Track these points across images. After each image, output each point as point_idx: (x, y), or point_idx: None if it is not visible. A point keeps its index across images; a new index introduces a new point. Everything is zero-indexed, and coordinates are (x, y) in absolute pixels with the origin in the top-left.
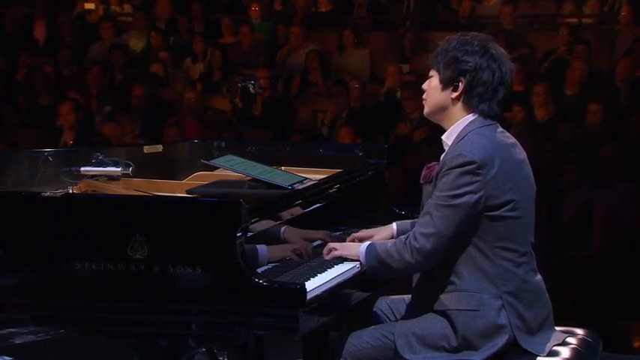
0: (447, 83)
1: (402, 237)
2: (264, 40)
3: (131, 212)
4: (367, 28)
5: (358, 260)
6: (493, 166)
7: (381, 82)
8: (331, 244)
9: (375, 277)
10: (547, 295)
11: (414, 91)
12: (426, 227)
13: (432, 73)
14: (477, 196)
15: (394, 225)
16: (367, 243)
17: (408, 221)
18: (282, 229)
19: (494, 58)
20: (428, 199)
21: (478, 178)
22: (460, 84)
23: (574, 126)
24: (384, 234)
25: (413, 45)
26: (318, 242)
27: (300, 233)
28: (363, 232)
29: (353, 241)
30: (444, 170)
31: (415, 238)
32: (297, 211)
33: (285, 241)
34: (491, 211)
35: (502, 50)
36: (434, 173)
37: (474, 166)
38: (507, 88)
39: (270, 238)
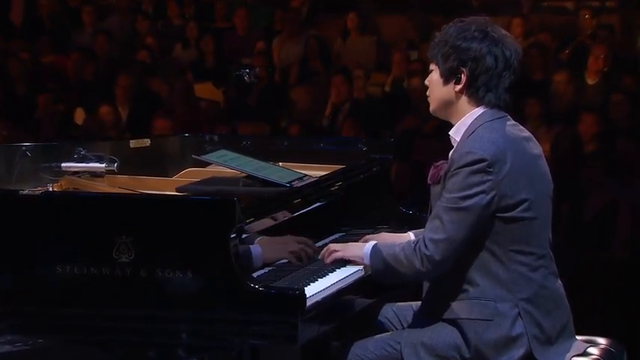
0: (448, 76)
1: (411, 241)
2: (261, 25)
3: (116, 212)
4: (373, 12)
5: (362, 263)
6: (505, 162)
7: (387, 70)
8: (332, 245)
9: (380, 280)
10: (566, 301)
11: (417, 83)
12: (435, 232)
13: (432, 66)
14: (490, 196)
15: (411, 235)
16: (372, 243)
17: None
18: (255, 242)
19: (496, 41)
20: (436, 200)
21: (490, 177)
22: (462, 75)
23: (596, 118)
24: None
25: (422, 31)
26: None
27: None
28: (384, 235)
29: (366, 241)
30: (452, 170)
31: (425, 245)
32: (296, 210)
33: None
34: (504, 212)
35: (503, 32)
36: (442, 173)
37: (484, 163)
38: (514, 73)
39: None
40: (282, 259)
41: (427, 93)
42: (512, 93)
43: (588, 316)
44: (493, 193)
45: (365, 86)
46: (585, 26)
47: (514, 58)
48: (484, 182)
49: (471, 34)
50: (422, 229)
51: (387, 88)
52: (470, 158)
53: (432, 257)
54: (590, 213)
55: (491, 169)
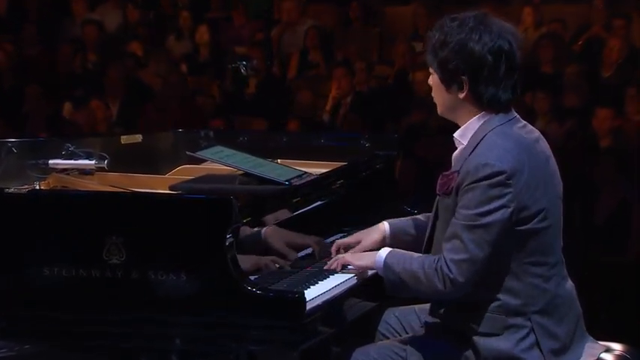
0: (448, 84)
1: (430, 259)
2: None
3: (107, 211)
4: (377, 2)
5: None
6: (523, 172)
7: (391, 62)
8: (341, 257)
9: (393, 292)
10: (577, 300)
11: (423, 76)
12: (457, 253)
13: (431, 70)
14: (511, 209)
15: (385, 225)
16: (385, 252)
17: (404, 220)
18: (265, 228)
19: (494, 39)
20: (445, 212)
21: (509, 190)
22: (464, 83)
23: (611, 113)
24: (374, 238)
25: (427, 21)
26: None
27: (285, 236)
28: (348, 239)
29: (338, 250)
30: (467, 184)
31: (447, 266)
32: (295, 209)
33: (265, 243)
34: (522, 225)
35: (505, 25)
36: (453, 185)
37: (503, 176)
38: (518, 68)
39: (249, 238)
40: (259, 267)
41: (432, 93)
42: (519, 87)
43: (602, 321)
44: (513, 205)
45: (368, 79)
46: (599, 16)
47: (515, 49)
48: (504, 195)
49: (466, 36)
50: (400, 220)
51: (391, 81)
52: (487, 171)
53: (456, 279)
54: (603, 213)
55: (510, 182)
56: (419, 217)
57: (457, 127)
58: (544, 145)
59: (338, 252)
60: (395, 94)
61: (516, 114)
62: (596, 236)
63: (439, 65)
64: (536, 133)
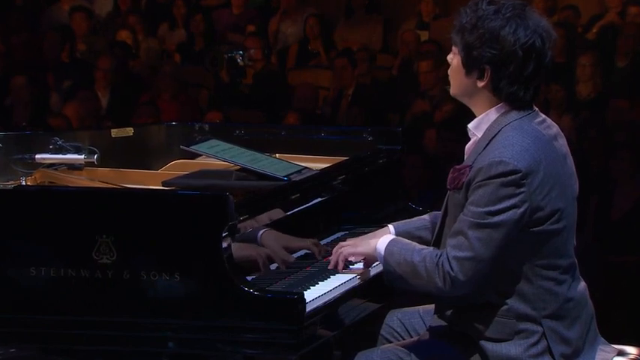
0: (470, 69)
1: (433, 253)
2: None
3: (96, 208)
4: None
5: (369, 264)
6: (539, 172)
7: (394, 52)
8: (340, 249)
9: (390, 282)
10: (590, 300)
11: (434, 63)
12: (460, 250)
13: (454, 49)
14: (522, 210)
15: (391, 229)
16: (386, 240)
17: (410, 222)
18: (261, 232)
19: (528, 35)
20: (455, 208)
21: (522, 190)
22: (486, 72)
23: (627, 104)
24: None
25: (433, 8)
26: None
27: (282, 240)
28: (350, 241)
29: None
30: (480, 180)
31: (449, 263)
32: (294, 206)
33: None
34: (535, 227)
35: (542, 21)
36: (465, 179)
37: (518, 175)
38: (546, 69)
39: (244, 241)
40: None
41: (449, 71)
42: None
43: (616, 323)
44: (526, 205)
45: (370, 70)
46: (614, 3)
47: (547, 49)
48: (516, 195)
49: (500, 25)
50: (405, 222)
51: (395, 72)
52: (502, 169)
53: (456, 277)
54: (619, 210)
55: (524, 181)
56: (425, 217)
57: (467, 116)
58: (562, 142)
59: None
60: (399, 85)
61: (536, 108)
62: (612, 234)
63: (464, 48)
64: (555, 128)
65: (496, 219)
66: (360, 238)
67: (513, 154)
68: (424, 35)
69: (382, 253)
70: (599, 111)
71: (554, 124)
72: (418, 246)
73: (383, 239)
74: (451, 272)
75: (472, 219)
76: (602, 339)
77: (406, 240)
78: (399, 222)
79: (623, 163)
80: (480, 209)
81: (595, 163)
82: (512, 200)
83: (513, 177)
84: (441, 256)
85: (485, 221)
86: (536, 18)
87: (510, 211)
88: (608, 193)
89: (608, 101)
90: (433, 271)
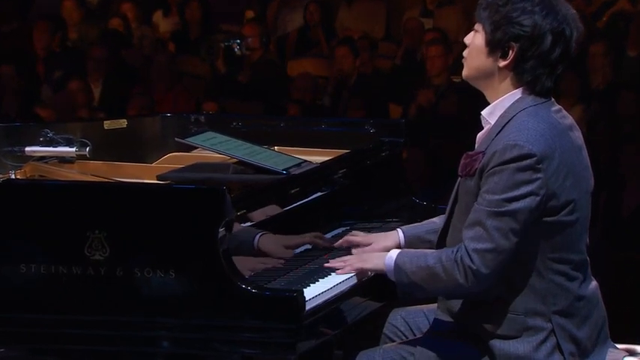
0: (494, 47)
1: (448, 251)
2: None
3: (89, 203)
4: None
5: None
6: (554, 158)
7: (397, 40)
8: (347, 258)
9: (407, 295)
10: (601, 301)
11: (437, 51)
12: (479, 242)
13: (477, 27)
14: (540, 197)
15: (399, 233)
16: (395, 253)
17: (419, 225)
18: (258, 236)
19: (559, 20)
20: (467, 195)
21: (539, 175)
22: (511, 51)
23: (638, 96)
24: (386, 244)
25: None
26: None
27: (281, 241)
28: (360, 237)
29: (348, 247)
30: (494, 165)
31: (469, 256)
32: (294, 201)
33: (259, 253)
34: (548, 216)
35: (571, 10)
36: (477, 165)
37: (533, 159)
38: (570, 59)
39: (241, 247)
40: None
41: (464, 53)
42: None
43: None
44: (543, 192)
45: (372, 59)
46: None
47: (574, 40)
48: (533, 181)
49: (532, 6)
50: (414, 226)
51: (398, 61)
52: (516, 153)
53: (479, 271)
54: (630, 205)
55: (540, 166)
56: (435, 220)
57: (476, 107)
58: (578, 134)
59: (347, 249)
60: (402, 75)
61: (552, 98)
62: (623, 230)
63: (492, 24)
64: (571, 119)
65: (514, 206)
66: (371, 235)
67: (528, 138)
68: (428, 23)
69: (392, 267)
70: (610, 103)
71: (569, 115)
72: (429, 251)
73: (390, 253)
74: (472, 266)
75: (489, 208)
76: (612, 343)
77: (413, 249)
78: (408, 226)
79: (634, 159)
80: (497, 197)
81: (604, 158)
82: (530, 187)
83: (529, 161)
84: (458, 251)
85: (503, 209)
86: (566, 7)
87: (529, 198)
88: (618, 188)
89: (619, 92)
90: (452, 269)
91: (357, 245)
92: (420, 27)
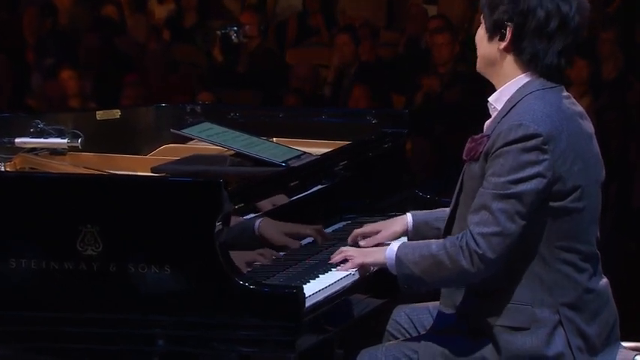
0: (492, 31)
1: (452, 237)
2: None
3: (81, 196)
4: None
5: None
6: (561, 140)
7: (400, 28)
8: (345, 249)
9: (410, 288)
10: (612, 300)
11: (444, 39)
12: (485, 225)
13: (481, 19)
14: (547, 179)
15: (409, 217)
16: (396, 245)
17: (429, 212)
18: (258, 221)
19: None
20: (472, 181)
21: (546, 156)
22: (507, 31)
23: None
24: (394, 230)
25: None
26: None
27: (282, 228)
28: (367, 227)
29: (355, 241)
30: (499, 146)
31: (475, 240)
32: (293, 194)
33: (260, 238)
34: (555, 201)
35: None
36: (482, 149)
37: (539, 139)
38: (572, 34)
39: (242, 233)
40: (255, 262)
41: (476, 41)
42: (571, 58)
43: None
44: (550, 174)
45: (374, 47)
46: None
47: (574, 15)
48: (540, 162)
49: None
50: (423, 212)
51: (401, 50)
52: (521, 132)
53: (485, 255)
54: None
55: (546, 147)
56: (447, 210)
57: (483, 96)
58: (588, 123)
59: (355, 243)
60: (406, 63)
61: (562, 85)
62: (633, 220)
63: (489, 7)
64: (580, 107)
65: (520, 188)
66: (377, 223)
67: (534, 118)
68: (432, 10)
69: (393, 259)
70: (620, 92)
71: (580, 105)
72: (432, 241)
73: (391, 246)
74: (478, 250)
75: (494, 190)
76: (625, 348)
77: (415, 241)
78: (419, 212)
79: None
80: (502, 179)
81: (616, 148)
82: (537, 168)
83: (534, 141)
84: (463, 237)
85: (509, 191)
86: None
87: (535, 180)
88: (628, 180)
89: (630, 82)
90: (457, 254)
91: (366, 236)
92: (423, 14)
